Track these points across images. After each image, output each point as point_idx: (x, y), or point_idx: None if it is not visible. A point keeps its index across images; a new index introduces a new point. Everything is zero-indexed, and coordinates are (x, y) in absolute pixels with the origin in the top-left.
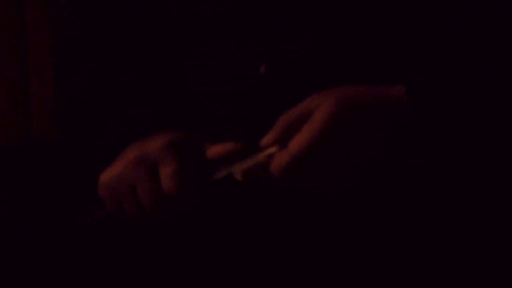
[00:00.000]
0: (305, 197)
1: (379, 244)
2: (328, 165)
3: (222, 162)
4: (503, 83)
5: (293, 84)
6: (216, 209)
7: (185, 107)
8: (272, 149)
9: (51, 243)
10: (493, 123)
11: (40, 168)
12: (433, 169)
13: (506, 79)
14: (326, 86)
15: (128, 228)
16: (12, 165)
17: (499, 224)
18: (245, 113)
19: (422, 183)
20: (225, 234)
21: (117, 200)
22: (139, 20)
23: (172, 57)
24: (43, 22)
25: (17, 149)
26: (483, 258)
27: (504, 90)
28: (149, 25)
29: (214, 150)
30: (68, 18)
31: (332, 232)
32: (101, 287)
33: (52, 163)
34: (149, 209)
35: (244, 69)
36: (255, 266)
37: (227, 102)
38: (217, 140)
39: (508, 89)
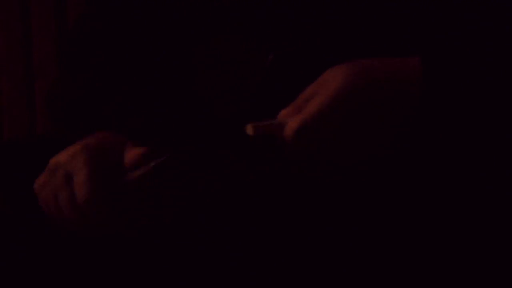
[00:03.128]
0: (309, 190)
1: (381, 238)
2: (340, 132)
3: (139, 165)
4: None
5: (301, 77)
6: (216, 206)
7: (192, 102)
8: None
9: (53, 240)
10: (508, 99)
11: (44, 164)
12: (443, 142)
13: None
14: None
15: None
16: (16, 161)
17: (502, 215)
18: (251, 108)
19: (429, 162)
20: (227, 230)
21: (46, 206)
22: (145, 17)
23: (178, 53)
24: (48, 19)
25: (21, 145)
26: (484, 256)
27: None
28: (155, 21)
29: (131, 154)
30: (76, 17)
31: (334, 226)
32: (102, 284)
33: None
34: (69, 216)
35: (250, 64)
36: (256, 262)
37: (234, 97)
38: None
39: None
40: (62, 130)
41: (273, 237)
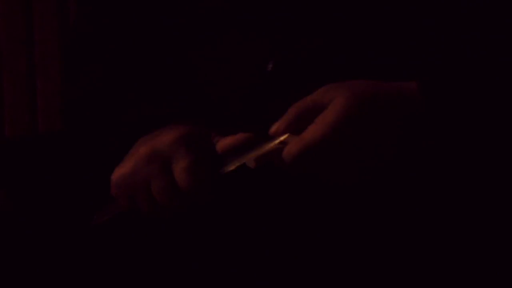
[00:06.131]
0: (311, 192)
1: (383, 240)
2: (340, 157)
3: (233, 154)
4: None
5: (301, 81)
6: (223, 205)
7: (193, 103)
8: (284, 136)
9: (55, 237)
10: (506, 119)
11: (46, 163)
12: (443, 163)
13: None
14: (334, 82)
15: (137, 226)
16: (18, 159)
17: (503, 221)
18: (252, 109)
19: (431, 177)
20: (230, 230)
21: (130, 197)
22: (148, 17)
23: (181, 54)
24: (50, 18)
25: (23, 143)
26: (485, 257)
27: None
28: (158, 21)
29: (225, 142)
30: (77, 15)
31: (337, 228)
32: (102, 284)
33: (58, 158)
34: (164, 204)
35: (252, 65)
36: (260, 262)
37: (235, 98)
38: (224, 134)
39: None
40: (68, 128)
41: (274, 238)
